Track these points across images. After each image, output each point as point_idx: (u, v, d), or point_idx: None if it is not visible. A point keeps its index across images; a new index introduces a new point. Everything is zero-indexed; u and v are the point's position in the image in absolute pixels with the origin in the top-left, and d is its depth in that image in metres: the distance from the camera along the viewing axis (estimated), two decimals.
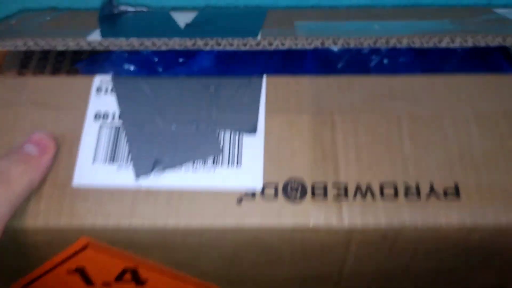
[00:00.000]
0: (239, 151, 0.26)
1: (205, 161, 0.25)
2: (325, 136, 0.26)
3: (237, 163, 0.25)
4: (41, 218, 0.24)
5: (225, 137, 0.26)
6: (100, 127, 0.27)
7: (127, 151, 0.26)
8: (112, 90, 0.28)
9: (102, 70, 0.31)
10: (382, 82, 0.28)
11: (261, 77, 0.28)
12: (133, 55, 0.31)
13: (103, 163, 0.25)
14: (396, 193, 0.24)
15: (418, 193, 0.24)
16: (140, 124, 0.26)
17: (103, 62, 0.32)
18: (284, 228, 0.24)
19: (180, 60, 0.33)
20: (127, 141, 0.26)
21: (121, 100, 0.27)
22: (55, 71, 0.31)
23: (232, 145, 0.26)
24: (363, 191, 0.25)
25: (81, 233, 0.24)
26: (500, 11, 0.35)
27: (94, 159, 0.26)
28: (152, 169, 0.25)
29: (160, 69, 0.33)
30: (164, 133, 0.26)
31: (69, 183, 0.25)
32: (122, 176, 0.25)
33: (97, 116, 0.27)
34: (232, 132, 0.26)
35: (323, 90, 0.27)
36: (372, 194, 0.24)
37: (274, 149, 0.26)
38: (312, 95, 0.27)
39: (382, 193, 0.24)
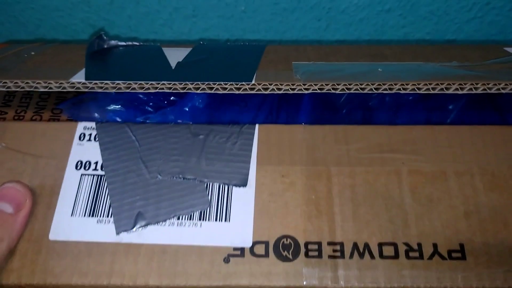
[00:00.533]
0: (228, 204, 0.26)
1: (191, 215, 0.25)
2: (320, 190, 0.26)
3: (226, 218, 0.25)
4: (14, 276, 0.24)
5: (214, 189, 0.26)
6: (81, 177, 0.27)
7: (108, 203, 0.26)
8: (95, 137, 0.28)
9: (87, 111, 0.31)
10: (381, 132, 0.28)
11: (254, 125, 0.28)
12: (121, 94, 0.31)
13: (82, 217, 0.26)
14: (396, 255, 0.24)
15: (421, 255, 0.24)
16: (123, 174, 0.27)
17: (88, 101, 0.32)
18: None
19: (171, 97, 0.34)
20: (109, 192, 0.26)
21: (105, 148, 0.28)
22: (39, 110, 0.31)
23: (221, 198, 0.26)
24: (360, 251, 0.24)
25: None
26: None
27: (73, 211, 0.26)
28: (134, 225, 0.25)
29: (150, 108, 0.33)
30: (149, 184, 0.26)
31: (45, 237, 0.25)
32: (101, 230, 0.25)
33: (78, 166, 0.27)
34: (221, 184, 0.26)
35: (319, 140, 0.28)
36: (370, 254, 0.24)
37: (265, 203, 0.26)
38: (307, 146, 0.27)
39: (381, 252, 0.24)
